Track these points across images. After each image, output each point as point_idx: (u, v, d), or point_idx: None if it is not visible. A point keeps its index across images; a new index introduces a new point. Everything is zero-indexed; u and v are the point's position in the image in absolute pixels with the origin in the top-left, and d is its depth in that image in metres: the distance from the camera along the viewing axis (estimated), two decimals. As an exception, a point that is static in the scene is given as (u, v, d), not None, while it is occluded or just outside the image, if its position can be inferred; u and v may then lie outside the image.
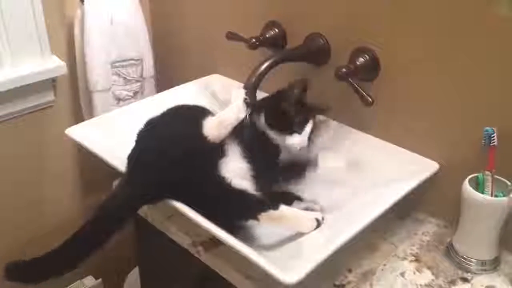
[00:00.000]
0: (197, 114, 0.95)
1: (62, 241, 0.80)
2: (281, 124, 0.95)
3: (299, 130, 0.95)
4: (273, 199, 0.89)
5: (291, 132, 0.95)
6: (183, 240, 0.96)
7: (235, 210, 0.84)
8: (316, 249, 0.77)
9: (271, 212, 0.82)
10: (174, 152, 0.87)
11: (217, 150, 0.90)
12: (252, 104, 0.96)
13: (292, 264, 0.74)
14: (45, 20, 1.24)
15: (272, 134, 0.96)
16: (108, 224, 0.82)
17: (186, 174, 0.84)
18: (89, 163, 1.45)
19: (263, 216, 0.82)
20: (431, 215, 1.00)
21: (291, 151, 0.96)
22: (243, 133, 0.95)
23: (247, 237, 0.85)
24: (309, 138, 0.97)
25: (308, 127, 0.97)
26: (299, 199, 0.94)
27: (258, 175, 0.94)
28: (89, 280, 1.62)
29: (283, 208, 0.84)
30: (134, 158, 0.91)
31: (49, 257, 0.80)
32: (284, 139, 0.95)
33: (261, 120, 0.97)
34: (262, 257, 0.73)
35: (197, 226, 0.81)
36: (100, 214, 0.83)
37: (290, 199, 0.93)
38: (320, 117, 1.02)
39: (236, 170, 0.91)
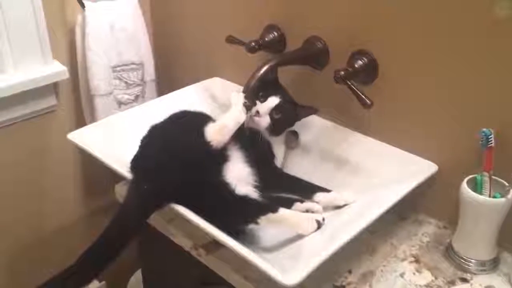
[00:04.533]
0: (199, 120, 0.96)
1: (81, 253, 0.83)
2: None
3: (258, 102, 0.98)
4: (274, 202, 0.89)
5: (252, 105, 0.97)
6: (185, 243, 0.97)
7: (235, 215, 0.85)
8: (316, 250, 0.78)
9: (270, 215, 0.83)
10: (177, 159, 0.88)
11: (220, 155, 0.91)
12: (251, 107, 0.97)
13: (292, 265, 0.74)
14: (47, 25, 1.25)
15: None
16: (122, 236, 0.85)
17: (190, 180, 0.85)
18: (92, 167, 1.47)
19: (262, 219, 0.83)
20: (430, 216, 1.00)
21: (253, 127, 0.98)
22: (243, 137, 0.96)
23: (248, 240, 0.85)
24: (278, 122, 0.99)
25: (269, 102, 0.99)
26: (300, 201, 0.94)
27: (260, 179, 0.94)
28: (93, 283, 1.63)
29: (282, 210, 0.84)
30: (138, 165, 0.92)
31: (69, 271, 0.82)
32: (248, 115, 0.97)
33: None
34: (262, 259, 0.74)
35: (198, 229, 0.82)
36: (113, 228, 0.85)
37: (291, 201, 0.94)
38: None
39: (239, 174, 0.92)
